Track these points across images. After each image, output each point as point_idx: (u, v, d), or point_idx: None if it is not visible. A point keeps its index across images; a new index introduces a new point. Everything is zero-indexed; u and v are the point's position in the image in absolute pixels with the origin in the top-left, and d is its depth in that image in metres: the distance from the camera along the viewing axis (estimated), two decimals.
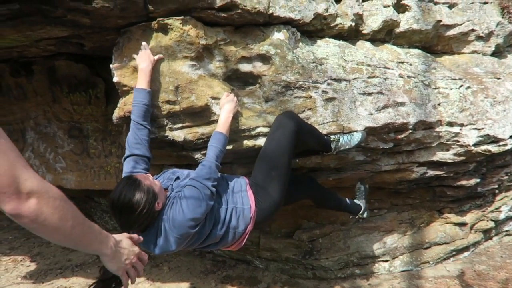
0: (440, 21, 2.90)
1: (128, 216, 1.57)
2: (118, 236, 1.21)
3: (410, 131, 2.51)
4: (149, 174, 1.76)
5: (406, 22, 2.80)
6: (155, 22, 1.94)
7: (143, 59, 1.90)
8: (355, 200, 2.68)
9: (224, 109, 1.97)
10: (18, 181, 0.81)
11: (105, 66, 2.12)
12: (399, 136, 2.49)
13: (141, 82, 1.89)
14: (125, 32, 2.04)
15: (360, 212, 2.63)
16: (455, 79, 2.77)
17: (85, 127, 3.13)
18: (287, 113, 2.06)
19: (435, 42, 3.05)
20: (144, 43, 1.95)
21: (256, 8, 2.05)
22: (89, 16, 1.88)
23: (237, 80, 2.20)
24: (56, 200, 0.88)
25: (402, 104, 2.44)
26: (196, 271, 3.43)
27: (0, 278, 3.44)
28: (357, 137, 2.27)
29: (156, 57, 1.94)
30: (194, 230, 1.69)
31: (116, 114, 2.01)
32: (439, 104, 2.66)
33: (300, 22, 2.29)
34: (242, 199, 1.92)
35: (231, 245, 1.96)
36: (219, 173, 1.89)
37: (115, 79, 1.99)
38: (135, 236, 1.29)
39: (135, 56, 1.95)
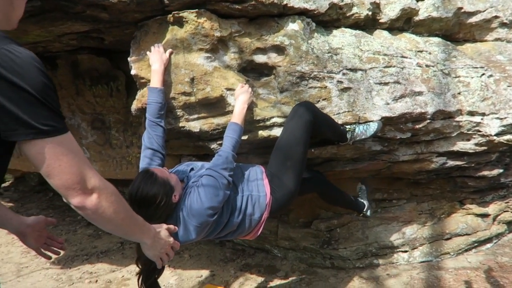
0: (461, 8, 2.82)
1: (147, 209, 1.63)
2: (157, 227, 1.39)
3: (429, 121, 2.47)
4: (165, 168, 1.82)
5: (426, 10, 2.74)
6: (171, 15, 1.98)
7: (155, 59, 1.96)
8: (358, 199, 2.74)
9: (239, 100, 2.00)
10: (84, 179, 0.96)
11: (125, 59, 2.19)
12: (417, 126, 2.46)
13: (154, 81, 1.96)
14: (142, 26, 2.09)
15: (364, 210, 2.69)
16: (477, 68, 2.70)
17: (107, 118, 3.23)
18: (303, 103, 2.07)
19: (456, 30, 2.97)
20: (156, 44, 2.00)
21: None
22: (107, 11, 1.94)
23: (252, 71, 2.22)
24: (112, 195, 1.03)
25: (419, 93, 2.41)
26: (216, 259, 3.51)
27: (30, 263, 3.62)
28: (373, 127, 2.26)
29: (168, 53, 1.99)
30: (212, 219, 1.74)
31: (134, 105, 2.07)
32: (459, 93, 2.60)
33: (315, 12, 2.28)
34: (258, 187, 1.96)
35: (248, 233, 2.00)
36: (235, 163, 1.93)
37: (132, 72, 2.05)
38: (171, 226, 1.49)
39: (148, 54, 1.99)
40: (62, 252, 1.53)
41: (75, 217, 4.65)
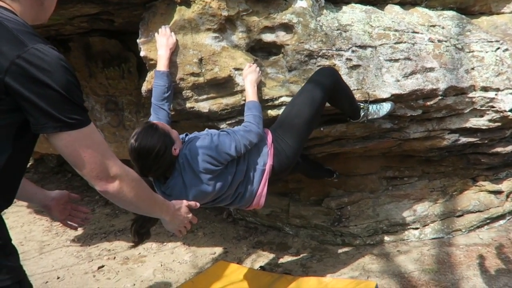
0: None
1: (146, 159, 1.68)
2: (177, 204, 1.47)
3: (440, 97, 2.44)
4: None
5: None
6: None
7: (161, 44, 1.99)
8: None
9: (247, 80, 2.02)
10: (107, 168, 1.05)
11: (136, 40, 2.21)
12: (428, 103, 2.43)
13: (160, 65, 2.00)
14: (150, 7, 2.10)
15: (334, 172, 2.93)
16: (491, 42, 2.64)
17: (120, 100, 3.28)
18: (328, 68, 2.10)
19: (471, 3, 2.88)
20: (163, 26, 2.01)
21: None
22: None
23: (261, 51, 2.22)
24: (133, 181, 1.12)
25: (431, 69, 2.37)
26: (229, 236, 3.59)
27: (52, 241, 3.76)
28: (386, 107, 2.27)
29: (174, 38, 2.01)
30: (221, 160, 1.77)
31: (144, 87, 2.11)
32: (472, 69, 2.55)
33: None
34: (260, 154, 1.99)
35: (252, 200, 2.02)
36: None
37: (142, 54, 2.08)
38: (192, 203, 1.54)
39: (156, 36, 2.01)
40: (88, 221, 1.61)
41: (93, 196, 4.78)
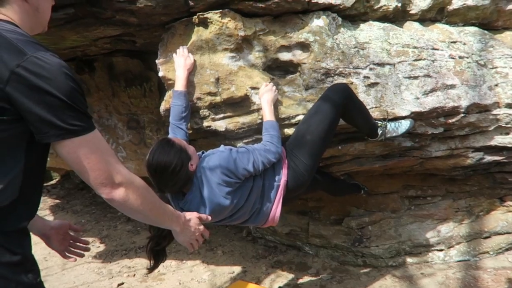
0: None
1: (162, 175, 1.69)
2: (188, 215, 1.45)
3: (462, 114, 2.38)
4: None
5: None
6: (196, 16, 2.03)
7: (179, 64, 2.03)
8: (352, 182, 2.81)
9: (264, 99, 2.02)
10: (112, 175, 1.02)
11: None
12: (450, 121, 2.37)
13: (177, 85, 2.04)
14: (169, 28, 2.16)
15: (362, 187, 2.80)
16: None
17: (142, 118, 3.35)
18: (339, 84, 2.09)
19: (494, 18, 2.82)
20: (181, 47, 2.06)
21: None
22: (135, 15, 2.02)
23: (277, 69, 2.23)
24: (139, 189, 1.09)
25: (452, 86, 2.32)
26: (248, 255, 3.55)
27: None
28: (405, 125, 2.22)
29: (192, 59, 2.05)
30: (238, 174, 1.78)
31: (163, 106, 2.15)
32: (496, 85, 2.48)
33: (341, 7, 2.25)
34: (274, 170, 1.99)
35: (267, 217, 2.00)
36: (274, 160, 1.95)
37: (160, 74, 2.13)
38: (203, 215, 1.54)
39: (174, 56, 2.05)
40: (85, 254, 1.57)
41: (116, 213, 4.85)
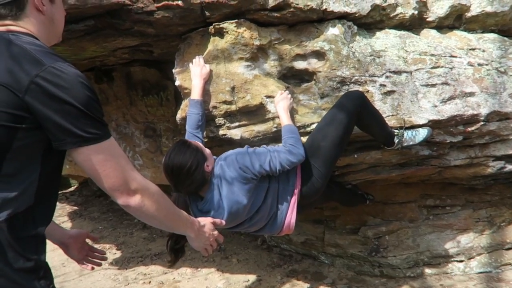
0: None
1: (179, 175, 1.73)
2: (202, 221, 1.46)
3: (482, 123, 2.33)
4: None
5: (479, 5, 2.59)
6: (212, 27, 2.06)
7: (195, 74, 2.06)
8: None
9: (280, 107, 2.03)
10: (127, 181, 1.05)
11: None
12: (469, 129, 2.33)
13: (194, 94, 2.07)
14: (186, 38, 2.19)
15: (367, 197, 2.77)
16: None
17: (158, 127, 3.39)
18: (355, 91, 2.09)
19: None
20: (197, 56, 2.08)
21: (308, 5, 2.07)
22: (152, 26, 2.06)
23: (293, 78, 2.24)
24: (154, 195, 1.11)
25: (471, 94, 2.28)
26: (263, 264, 3.53)
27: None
28: (422, 134, 2.18)
29: (208, 67, 2.07)
30: (254, 171, 1.79)
31: (179, 115, 2.17)
32: None
33: (357, 15, 2.25)
34: (288, 177, 1.99)
35: (282, 225, 2.00)
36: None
37: (176, 83, 2.16)
38: (217, 220, 1.56)
39: (190, 66, 2.08)
40: (103, 263, 1.61)
41: (132, 220, 4.90)
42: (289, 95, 2.06)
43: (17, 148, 0.95)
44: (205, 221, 1.49)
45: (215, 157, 1.94)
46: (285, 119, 2.02)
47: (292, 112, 2.12)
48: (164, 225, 1.23)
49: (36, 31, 1.09)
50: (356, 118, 2.01)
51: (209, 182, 1.81)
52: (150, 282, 3.38)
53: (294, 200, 1.97)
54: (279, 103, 2.03)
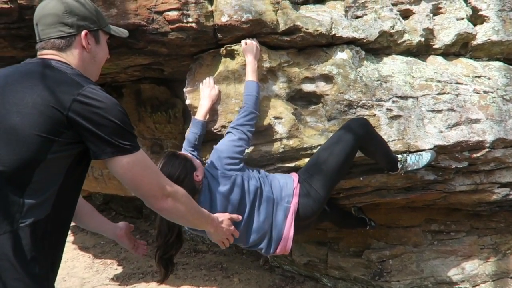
0: None
1: None
2: (221, 217, 1.63)
3: (488, 149, 2.35)
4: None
5: (484, 33, 2.65)
6: (223, 48, 2.11)
7: (205, 95, 2.10)
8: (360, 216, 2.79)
9: (250, 57, 2.03)
10: (162, 188, 1.19)
11: (182, 88, 2.35)
12: (475, 155, 2.35)
13: (198, 113, 2.12)
14: (197, 58, 2.24)
15: (368, 222, 2.76)
16: None
17: (165, 143, 3.42)
18: (359, 118, 2.13)
19: None
20: (208, 78, 2.13)
21: (318, 30, 2.12)
22: (166, 46, 2.11)
23: (301, 100, 2.28)
24: (183, 197, 1.26)
25: (476, 121, 2.31)
26: (265, 285, 3.50)
27: (92, 278, 3.86)
28: (425, 158, 2.20)
29: (218, 89, 2.12)
30: (233, 170, 1.85)
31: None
32: None
33: (365, 41, 2.30)
34: (284, 194, 1.98)
35: (278, 243, 1.98)
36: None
37: (187, 102, 2.20)
38: (234, 216, 1.73)
39: (200, 86, 2.12)
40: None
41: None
42: (254, 42, 2.06)
43: (50, 159, 1.05)
44: (223, 217, 1.65)
45: None
46: (250, 73, 2.03)
47: (299, 133, 2.15)
48: (191, 223, 1.40)
49: (76, 65, 1.20)
50: (360, 145, 2.04)
51: (200, 191, 1.85)
52: None
53: (290, 219, 1.96)
54: (249, 54, 2.03)
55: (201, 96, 2.11)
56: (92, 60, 1.27)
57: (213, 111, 2.14)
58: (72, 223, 1.29)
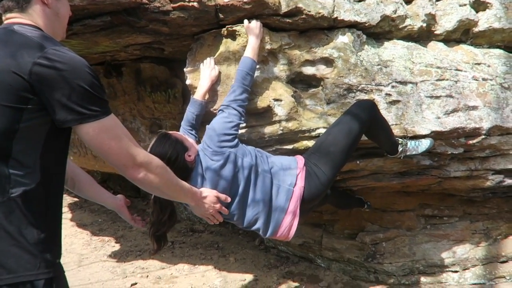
0: None
1: None
2: (205, 192, 1.65)
3: (484, 136, 2.38)
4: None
5: (486, 20, 2.65)
6: (225, 29, 2.11)
7: (205, 75, 2.11)
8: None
9: (253, 35, 2.02)
10: (132, 157, 1.13)
11: (183, 68, 2.35)
12: (470, 142, 2.38)
13: (197, 93, 2.13)
14: (198, 38, 2.24)
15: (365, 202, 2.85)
16: None
17: (164, 123, 3.43)
18: (366, 100, 2.15)
19: None
20: (208, 58, 2.13)
21: (320, 13, 2.11)
22: (167, 25, 2.10)
23: (300, 83, 2.29)
24: (157, 168, 1.22)
25: (474, 108, 2.33)
26: (260, 264, 3.58)
27: (90, 255, 3.92)
28: (425, 144, 2.24)
29: (217, 70, 2.12)
30: (227, 147, 1.85)
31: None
32: None
33: (366, 24, 2.30)
34: (287, 177, 1.97)
35: (279, 227, 1.99)
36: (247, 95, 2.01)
37: (187, 82, 2.21)
38: (222, 195, 1.74)
39: (200, 66, 2.13)
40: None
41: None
42: (259, 23, 2.05)
43: (23, 128, 1.01)
44: (208, 193, 1.67)
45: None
46: (249, 51, 2.01)
47: (299, 116, 2.16)
48: (167, 195, 1.37)
49: (41, 24, 1.15)
50: (367, 127, 2.06)
51: (194, 169, 1.87)
52: (147, 276, 3.43)
53: (295, 203, 1.95)
54: (252, 33, 2.02)
55: (201, 76, 2.12)
56: (56, 17, 1.20)
57: (213, 92, 2.15)
58: (70, 200, 1.31)
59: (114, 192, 5.59)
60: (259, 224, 1.99)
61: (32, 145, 1.04)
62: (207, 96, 2.17)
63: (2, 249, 1.00)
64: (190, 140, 1.94)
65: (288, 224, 1.99)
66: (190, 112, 2.14)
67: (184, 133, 2.10)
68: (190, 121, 2.14)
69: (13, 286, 0.99)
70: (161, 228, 1.86)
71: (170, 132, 1.93)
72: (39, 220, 1.06)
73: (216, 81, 2.14)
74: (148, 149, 1.81)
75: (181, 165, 1.81)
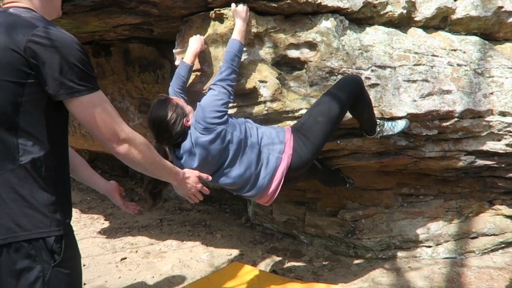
0: (502, 7, 2.80)
1: (160, 127, 1.92)
2: (188, 173, 1.68)
3: (456, 119, 2.52)
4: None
5: (464, 8, 2.76)
6: (213, 12, 2.18)
7: (195, 41, 2.17)
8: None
9: (239, 20, 2.08)
10: (117, 132, 1.19)
11: (171, 49, 2.42)
12: (444, 124, 2.52)
13: (187, 57, 2.18)
14: (187, 20, 2.30)
15: (348, 181, 2.94)
16: None
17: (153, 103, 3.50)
18: (355, 76, 2.25)
19: (496, 29, 2.95)
20: (199, 35, 2.21)
21: None
22: (156, 7, 2.17)
23: (285, 65, 2.38)
24: (140, 145, 1.26)
25: (448, 92, 2.47)
26: (246, 240, 3.73)
27: (80, 231, 4.02)
28: (401, 125, 2.37)
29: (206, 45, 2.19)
30: (217, 124, 1.91)
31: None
32: (491, 93, 2.62)
33: (349, 10, 2.39)
34: (276, 146, 2.07)
35: (264, 192, 2.09)
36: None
37: (176, 62, 2.28)
38: (203, 175, 1.79)
39: (190, 39, 2.19)
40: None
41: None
42: (245, 6, 2.11)
43: (26, 102, 1.10)
44: (191, 174, 1.70)
45: None
46: (236, 33, 2.07)
47: (282, 97, 2.27)
48: (150, 172, 1.39)
49: (36, 6, 1.23)
50: (354, 100, 2.15)
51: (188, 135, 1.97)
52: (137, 251, 3.55)
53: (282, 170, 2.05)
54: (238, 16, 2.08)
55: (190, 42, 2.17)
56: (50, 1, 1.28)
57: (202, 73, 2.23)
58: None
59: (102, 172, 5.67)
60: (245, 188, 2.10)
61: (37, 117, 1.13)
62: (196, 61, 2.23)
63: (17, 210, 1.11)
64: (188, 106, 2.03)
65: (273, 190, 2.10)
66: (180, 75, 2.19)
67: (173, 95, 2.17)
68: (180, 84, 2.20)
69: (28, 242, 1.10)
70: (158, 185, 1.93)
71: (170, 97, 2.02)
72: (49, 184, 1.16)
73: (203, 49, 2.21)
74: (150, 111, 1.93)
75: (180, 128, 1.92)
